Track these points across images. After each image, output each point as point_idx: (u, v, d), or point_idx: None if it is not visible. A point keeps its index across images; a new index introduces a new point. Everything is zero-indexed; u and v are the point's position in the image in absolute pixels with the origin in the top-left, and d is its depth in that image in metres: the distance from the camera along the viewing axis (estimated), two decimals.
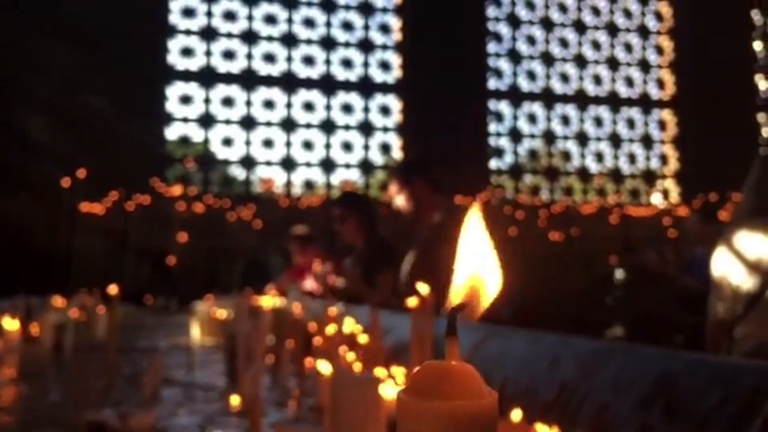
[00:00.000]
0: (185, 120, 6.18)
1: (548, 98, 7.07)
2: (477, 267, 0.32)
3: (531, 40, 7.10)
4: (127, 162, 5.57)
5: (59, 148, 5.44)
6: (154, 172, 5.80)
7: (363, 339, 1.33)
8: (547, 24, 7.14)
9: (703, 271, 4.04)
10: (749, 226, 1.80)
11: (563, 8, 7.21)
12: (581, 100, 7.15)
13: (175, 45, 6.21)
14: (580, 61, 7.20)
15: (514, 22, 7.04)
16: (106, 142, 5.53)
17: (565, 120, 7.11)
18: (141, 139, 5.73)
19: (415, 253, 2.82)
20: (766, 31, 7.73)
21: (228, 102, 6.29)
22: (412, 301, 1.08)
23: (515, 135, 6.93)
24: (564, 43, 7.19)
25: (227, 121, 6.28)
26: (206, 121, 6.22)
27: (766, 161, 1.93)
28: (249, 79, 6.36)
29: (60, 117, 5.56)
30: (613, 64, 7.28)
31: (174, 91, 6.16)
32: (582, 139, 7.12)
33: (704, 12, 7.24)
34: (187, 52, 6.24)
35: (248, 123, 6.31)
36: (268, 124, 6.37)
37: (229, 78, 6.32)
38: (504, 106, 6.95)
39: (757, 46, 7.63)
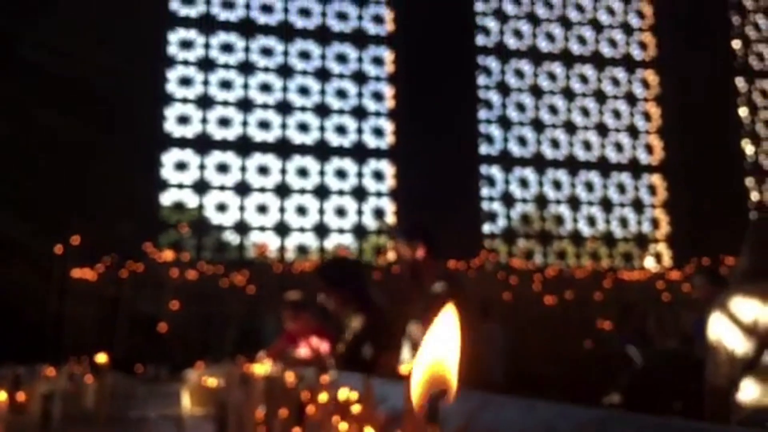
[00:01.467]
0: (180, 186, 6.22)
1: (539, 163, 7.17)
2: (441, 354, 0.32)
3: (521, 107, 7.24)
4: (121, 228, 5.56)
5: (53, 215, 5.44)
6: (148, 237, 5.79)
7: (356, 408, 1.31)
8: (537, 91, 7.30)
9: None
10: (744, 291, 1.80)
11: (552, 76, 7.39)
12: (572, 165, 7.25)
13: (171, 113, 6.32)
14: (570, 127, 7.33)
15: (504, 89, 7.20)
16: (101, 208, 5.54)
17: (557, 184, 7.19)
18: (136, 205, 5.75)
19: (419, 324, 2.79)
20: (751, 98, 7.92)
21: (223, 168, 6.35)
22: (405, 368, 1.07)
23: (508, 199, 6.99)
24: (553, 109, 7.34)
25: (222, 187, 6.33)
26: (201, 187, 6.27)
27: (757, 225, 1.95)
28: (244, 146, 6.44)
29: (56, 182, 5.59)
30: (602, 129, 7.42)
31: (170, 157, 6.23)
32: (574, 203, 7.19)
33: (689, 80, 7.44)
34: (183, 119, 6.33)
35: (243, 189, 6.36)
36: (263, 189, 6.42)
37: (224, 145, 6.40)
38: (496, 171, 7.03)
39: (743, 112, 7.80)
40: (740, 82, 7.87)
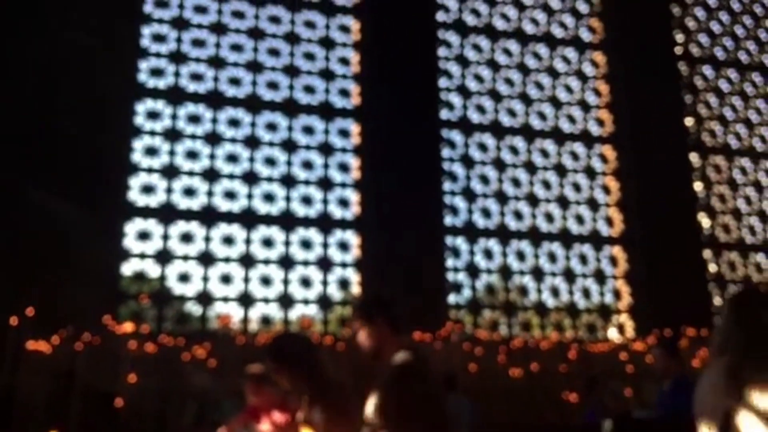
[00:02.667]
0: (142, 256, 6.14)
1: (503, 234, 7.26)
2: None
3: (485, 180, 7.37)
4: (80, 298, 5.44)
5: (9, 284, 5.31)
6: (108, 309, 5.66)
7: None
8: (500, 164, 7.46)
9: (666, 404, 4.02)
10: (762, 383, 1.75)
11: (514, 150, 7.57)
12: (535, 236, 7.36)
13: (136, 182, 6.29)
14: (532, 200, 7.47)
15: (468, 162, 7.34)
16: (60, 278, 5.42)
17: (521, 255, 7.27)
18: (95, 275, 5.64)
19: (378, 395, 2.74)
20: (705, 173, 8.20)
21: (187, 238, 6.30)
22: None
23: (472, 270, 7.03)
24: (516, 182, 7.49)
25: (185, 257, 6.26)
26: (164, 257, 6.19)
27: (741, 300, 1.94)
28: (209, 216, 6.41)
29: (13, 250, 5.48)
30: (563, 202, 7.58)
31: (133, 227, 6.16)
32: (537, 274, 7.26)
33: (645, 155, 7.69)
34: (148, 189, 6.31)
35: (206, 259, 6.30)
36: (227, 260, 6.36)
37: (188, 214, 6.37)
38: (461, 242, 7.09)
39: (698, 186, 8.06)
40: (694, 158, 8.16)
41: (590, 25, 8.37)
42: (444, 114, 7.40)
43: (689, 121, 8.27)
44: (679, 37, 8.58)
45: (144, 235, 6.17)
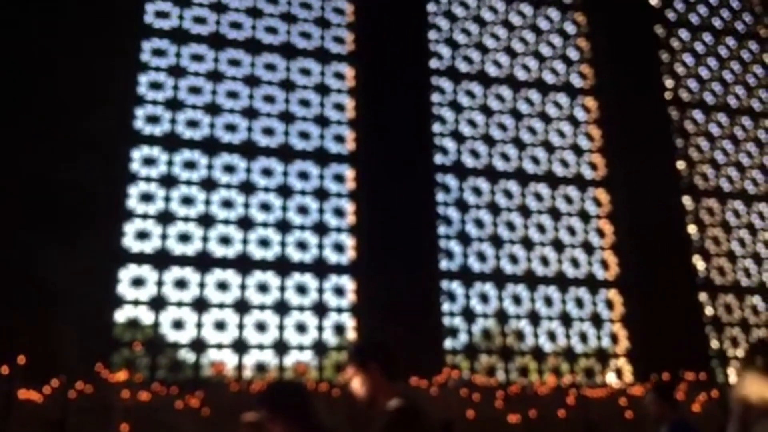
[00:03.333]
0: (136, 303, 6.09)
1: (499, 278, 7.24)
2: None
3: (479, 223, 7.39)
4: (72, 346, 5.38)
5: (1, 333, 5.25)
6: (100, 357, 5.59)
7: None
8: (494, 208, 7.49)
9: None
10: None
11: (508, 194, 7.61)
12: (530, 280, 7.34)
13: (131, 228, 6.28)
14: (527, 243, 7.48)
15: (462, 206, 7.37)
16: (52, 325, 5.37)
17: (517, 300, 7.25)
18: (88, 322, 5.59)
19: None
20: (698, 216, 8.24)
21: (181, 284, 6.26)
22: None
23: (468, 315, 7.00)
24: (511, 226, 7.51)
25: (179, 304, 6.21)
26: (158, 303, 6.14)
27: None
28: (203, 261, 6.39)
29: (5, 298, 5.43)
30: (558, 246, 7.59)
31: (127, 273, 6.13)
32: (534, 318, 7.22)
33: (638, 198, 7.75)
34: (142, 235, 6.29)
35: (201, 305, 6.25)
36: (221, 306, 6.32)
37: (183, 260, 6.34)
38: (456, 287, 7.07)
39: (692, 229, 8.10)
40: (687, 201, 8.21)
41: (581, 71, 8.51)
42: (438, 159, 7.45)
43: (681, 165, 8.36)
44: (669, 83, 8.72)
45: (138, 282, 6.13)
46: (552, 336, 7.23)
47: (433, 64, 7.80)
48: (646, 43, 8.68)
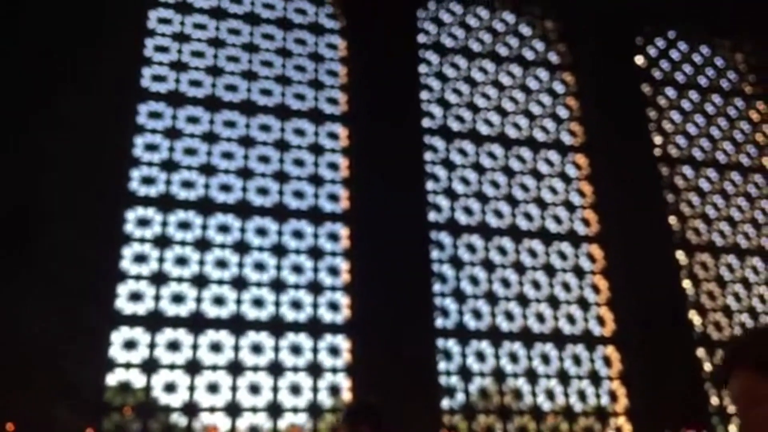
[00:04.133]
0: (127, 366, 6.00)
1: (495, 336, 7.18)
2: None
3: (474, 280, 7.38)
4: (62, 411, 5.27)
5: None
6: (90, 422, 5.47)
7: None
8: (489, 265, 7.49)
9: None
10: None
11: (502, 251, 7.62)
12: (527, 337, 7.28)
13: (124, 290, 6.23)
14: (523, 300, 7.45)
15: (457, 263, 7.37)
16: (42, 390, 5.28)
17: (513, 357, 7.17)
18: (79, 387, 5.49)
19: None
20: (692, 271, 8.25)
21: (174, 346, 6.18)
22: None
23: (465, 373, 6.91)
24: (506, 282, 7.49)
25: (172, 366, 6.12)
26: (149, 366, 6.05)
27: None
28: (197, 323, 6.32)
29: None
30: (553, 302, 7.56)
31: (119, 335, 6.05)
32: (531, 376, 7.14)
33: (632, 254, 7.77)
34: (135, 296, 6.24)
35: (193, 367, 6.16)
36: (214, 368, 6.23)
37: (176, 321, 6.28)
38: (453, 345, 7.00)
39: (686, 284, 8.09)
40: (681, 256, 8.23)
41: (571, 128, 8.64)
42: (432, 216, 7.49)
43: (673, 220, 8.41)
44: (658, 139, 8.86)
45: (130, 344, 6.06)
46: (550, 395, 7.13)
47: (426, 123, 7.92)
48: (634, 101, 8.85)
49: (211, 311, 6.43)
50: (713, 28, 9.68)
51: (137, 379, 6.01)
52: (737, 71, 9.83)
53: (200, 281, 6.49)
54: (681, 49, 9.63)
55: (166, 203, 6.69)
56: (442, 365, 6.84)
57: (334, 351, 6.62)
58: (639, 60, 9.25)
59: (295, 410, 6.31)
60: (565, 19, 8.98)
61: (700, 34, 9.71)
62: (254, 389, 6.26)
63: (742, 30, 9.68)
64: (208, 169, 6.96)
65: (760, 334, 1.64)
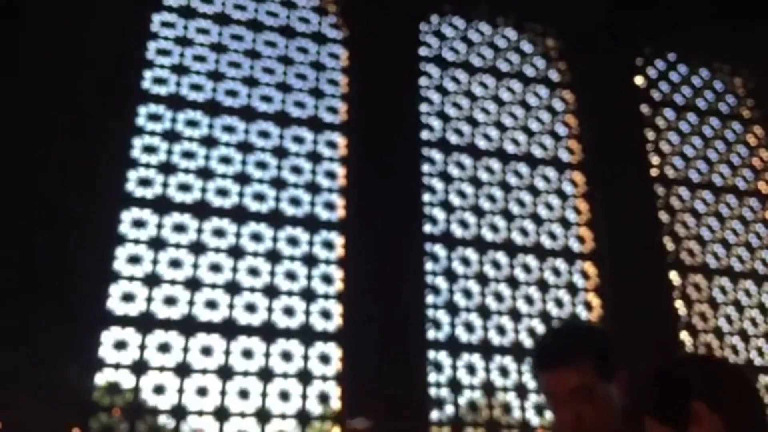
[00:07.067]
0: (117, 366, 5.98)
1: (486, 349, 7.18)
2: None
3: (467, 294, 7.38)
4: (50, 411, 5.26)
5: None
6: (77, 422, 5.45)
7: None
8: (482, 279, 7.50)
9: None
10: None
11: (497, 265, 7.64)
12: (518, 352, 7.28)
13: (116, 291, 6.23)
14: (515, 315, 7.46)
15: (450, 276, 7.38)
16: (29, 390, 5.26)
17: (504, 371, 7.17)
18: (67, 386, 5.48)
19: None
20: (685, 292, 8.27)
21: (164, 348, 6.17)
22: None
23: (455, 386, 6.91)
24: (499, 297, 7.50)
25: (161, 368, 6.11)
26: (139, 367, 6.04)
27: None
28: (188, 326, 6.32)
29: None
30: (545, 318, 7.56)
31: (109, 336, 6.04)
32: (521, 391, 7.13)
33: (626, 272, 7.79)
34: (127, 297, 6.24)
35: (183, 370, 6.15)
36: (204, 371, 6.21)
37: (168, 324, 6.28)
38: (443, 357, 7.00)
39: (679, 304, 8.10)
40: (674, 276, 8.25)
41: (569, 146, 8.68)
42: (428, 228, 7.50)
43: (667, 241, 8.44)
44: (655, 160, 8.90)
45: (120, 345, 6.05)
46: (539, 410, 7.12)
47: (425, 135, 7.95)
48: (633, 121, 8.90)
49: (203, 315, 6.43)
50: (713, 52, 9.75)
51: (126, 380, 6.00)
52: (735, 95, 9.90)
53: (193, 284, 6.49)
54: (681, 71, 9.69)
55: (162, 205, 6.70)
56: (432, 377, 6.84)
57: (324, 359, 6.61)
58: (639, 80, 9.32)
59: (283, 416, 6.30)
60: (566, 37, 9.04)
61: (699, 57, 9.78)
62: (243, 394, 6.24)
63: (741, 55, 9.76)
64: (205, 173, 6.98)
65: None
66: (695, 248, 8.61)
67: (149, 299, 6.30)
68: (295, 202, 7.20)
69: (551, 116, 8.76)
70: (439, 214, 7.66)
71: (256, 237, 6.91)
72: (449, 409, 6.82)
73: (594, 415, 1.78)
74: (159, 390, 6.03)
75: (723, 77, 9.91)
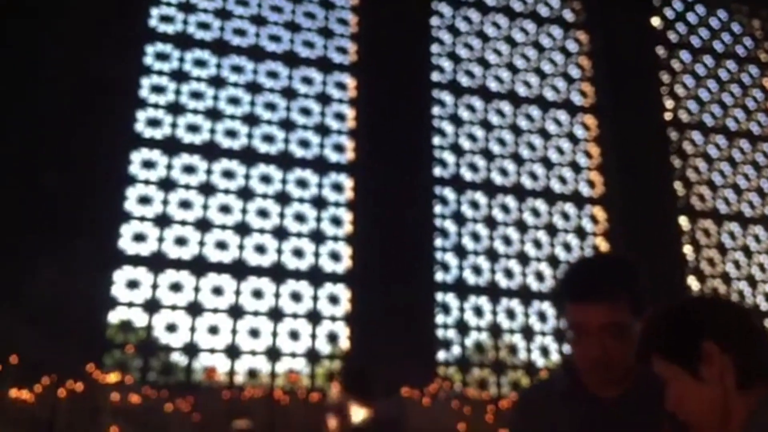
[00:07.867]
0: (130, 305, 6.09)
1: (493, 292, 7.25)
2: None
3: (476, 237, 7.40)
4: (65, 346, 5.37)
5: None
6: (92, 357, 5.58)
7: None
8: (491, 222, 7.51)
9: None
10: None
11: (505, 209, 7.63)
12: (525, 294, 7.35)
13: (127, 231, 6.28)
14: (523, 258, 7.49)
15: (459, 219, 7.38)
16: (45, 325, 5.37)
17: (511, 314, 7.25)
18: (82, 323, 5.59)
19: None
20: (695, 237, 8.26)
21: (176, 287, 6.26)
22: None
23: (462, 327, 7.00)
24: (507, 240, 7.52)
25: (173, 307, 6.21)
26: (152, 306, 6.14)
27: None
28: (199, 266, 6.39)
29: None
30: (553, 262, 7.60)
31: (122, 275, 6.13)
32: (527, 333, 7.22)
33: (634, 217, 7.77)
34: (138, 237, 6.29)
35: (195, 309, 6.25)
36: (215, 310, 6.31)
37: (179, 264, 6.35)
38: (451, 299, 7.07)
39: (687, 250, 8.11)
40: (684, 221, 8.24)
41: (581, 89, 8.55)
42: (437, 171, 7.48)
43: (678, 185, 8.38)
44: (669, 103, 8.77)
45: (133, 284, 6.13)
46: (545, 351, 7.23)
47: (435, 77, 7.84)
48: (648, 63, 8.73)
49: (213, 255, 6.49)
50: None
51: (139, 318, 6.11)
52: (753, 38, 9.67)
53: (203, 225, 6.54)
54: (698, 12, 9.45)
55: (171, 146, 6.68)
56: (439, 318, 6.93)
57: (333, 299, 6.70)
58: (655, 21, 9.10)
59: (293, 355, 6.42)
60: None
61: None
62: (254, 333, 6.35)
63: None
64: (214, 114, 6.94)
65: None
66: (706, 193, 8.56)
67: (160, 239, 6.36)
68: (304, 144, 7.17)
69: (564, 58, 8.60)
70: (448, 157, 7.62)
71: (266, 179, 6.91)
72: (456, 350, 6.94)
73: (621, 352, 1.80)
74: (171, 328, 6.15)
75: (741, 18, 9.67)
